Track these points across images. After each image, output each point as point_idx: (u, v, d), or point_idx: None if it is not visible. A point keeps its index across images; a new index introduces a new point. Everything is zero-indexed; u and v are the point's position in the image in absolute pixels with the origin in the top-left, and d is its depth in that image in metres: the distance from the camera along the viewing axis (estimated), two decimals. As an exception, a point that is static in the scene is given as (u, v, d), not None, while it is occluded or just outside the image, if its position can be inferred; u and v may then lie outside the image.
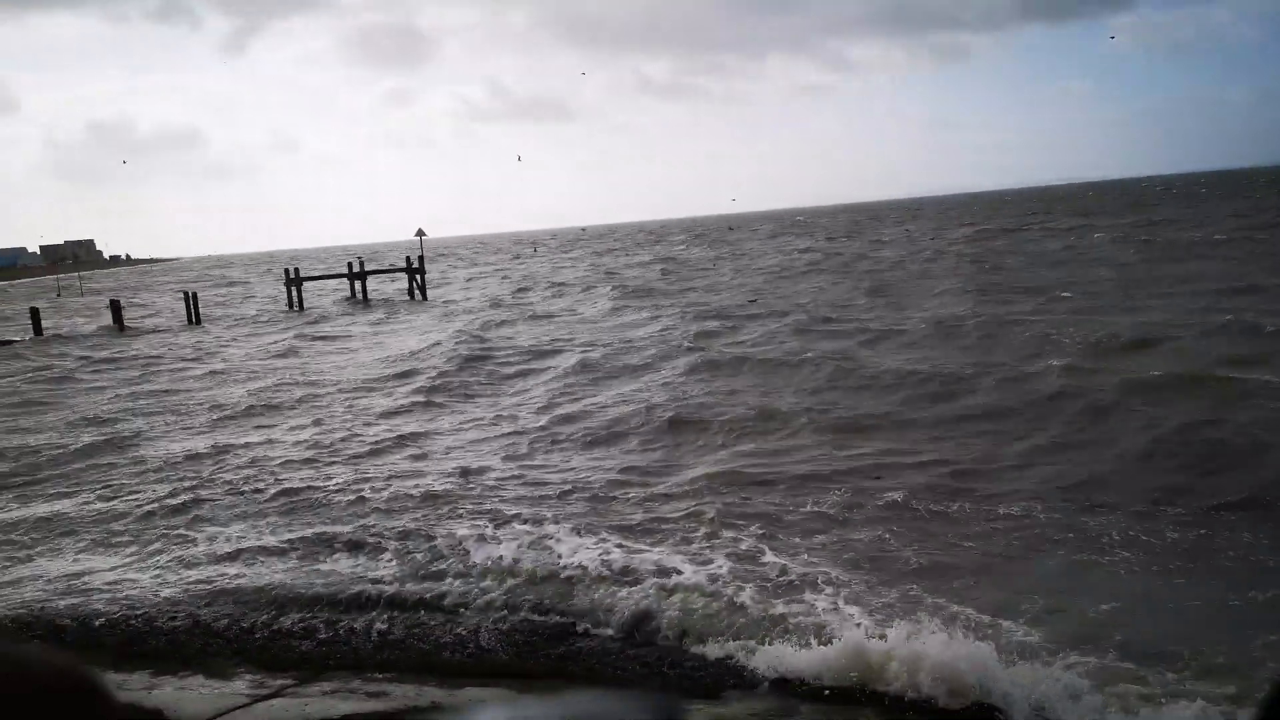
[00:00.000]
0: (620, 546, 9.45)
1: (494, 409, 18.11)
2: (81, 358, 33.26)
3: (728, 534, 9.65)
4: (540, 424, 16.05)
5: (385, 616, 8.36)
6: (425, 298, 53.25)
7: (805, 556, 8.91)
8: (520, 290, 53.06)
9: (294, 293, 51.49)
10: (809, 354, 20.22)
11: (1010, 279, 34.62)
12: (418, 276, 54.80)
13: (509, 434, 15.60)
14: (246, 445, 16.03)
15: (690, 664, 7.23)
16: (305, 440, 16.15)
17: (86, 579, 9.96)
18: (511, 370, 22.51)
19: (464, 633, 7.98)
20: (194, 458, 15.34)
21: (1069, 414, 13.84)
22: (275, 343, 33.88)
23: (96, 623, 8.71)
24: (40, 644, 0.84)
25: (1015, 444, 12.76)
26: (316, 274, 61.60)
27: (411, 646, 7.88)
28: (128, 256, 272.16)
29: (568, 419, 16.28)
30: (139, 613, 8.81)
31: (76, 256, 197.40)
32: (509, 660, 7.52)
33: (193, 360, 30.51)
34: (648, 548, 9.44)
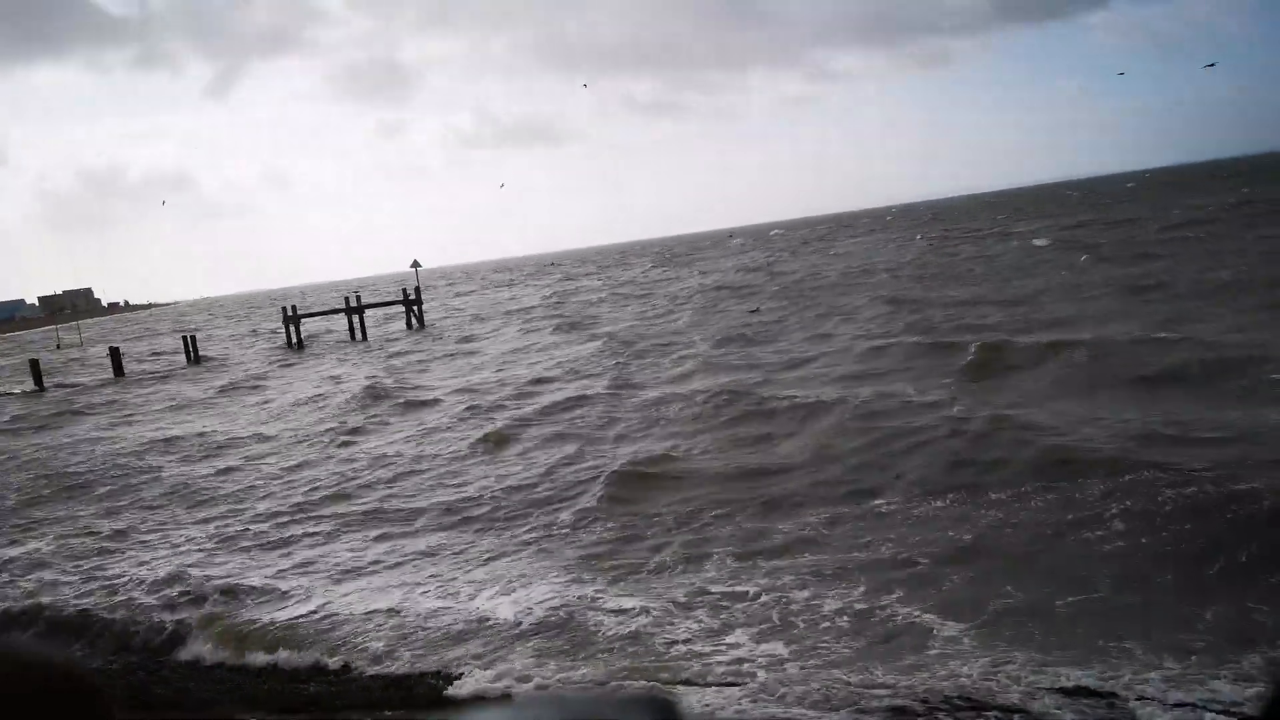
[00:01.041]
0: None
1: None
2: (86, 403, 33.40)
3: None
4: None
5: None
6: (423, 326, 53.47)
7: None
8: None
9: (292, 330, 51.61)
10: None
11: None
12: (415, 308, 55.04)
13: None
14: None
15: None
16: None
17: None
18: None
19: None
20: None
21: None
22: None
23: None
24: (39, 643, 0.82)
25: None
26: (314, 311, 61.83)
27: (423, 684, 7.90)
28: (126, 303, 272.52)
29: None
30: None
31: (75, 306, 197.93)
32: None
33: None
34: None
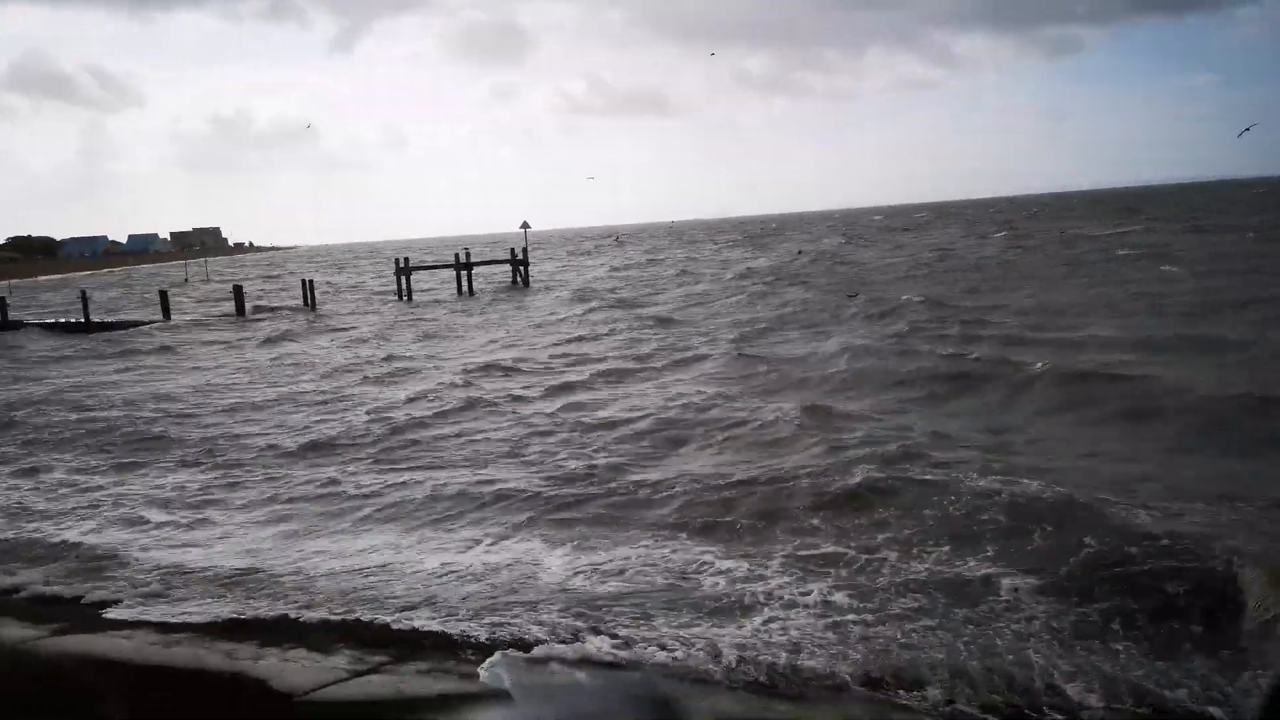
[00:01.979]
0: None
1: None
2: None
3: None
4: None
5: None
6: (527, 285, 54.41)
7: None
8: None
9: (403, 281, 53.02)
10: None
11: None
12: (521, 267, 56.04)
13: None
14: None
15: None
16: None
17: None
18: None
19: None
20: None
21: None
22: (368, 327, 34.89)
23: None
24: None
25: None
26: (425, 264, 63.50)
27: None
28: (251, 244, 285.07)
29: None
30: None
31: (204, 243, 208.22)
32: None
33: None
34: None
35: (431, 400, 19.26)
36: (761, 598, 8.23)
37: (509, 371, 22.92)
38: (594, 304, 40.12)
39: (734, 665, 6.95)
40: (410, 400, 19.46)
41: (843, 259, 60.81)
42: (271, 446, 15.92)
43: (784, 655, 7.07)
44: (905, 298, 31.00)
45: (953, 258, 53.65)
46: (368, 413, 18.27)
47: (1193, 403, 13.95)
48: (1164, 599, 7.55)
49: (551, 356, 25.12)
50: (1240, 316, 22.11)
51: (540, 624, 7.87)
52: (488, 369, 23.25)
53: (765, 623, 7.70)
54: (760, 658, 7.04)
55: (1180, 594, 7.57)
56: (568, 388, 19.88)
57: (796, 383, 18.72)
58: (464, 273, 53.83)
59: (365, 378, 23.49)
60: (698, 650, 7.19)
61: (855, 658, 6.96)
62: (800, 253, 70.45)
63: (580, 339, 28.89)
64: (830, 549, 9.28)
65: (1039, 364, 17.28)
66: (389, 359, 26.93)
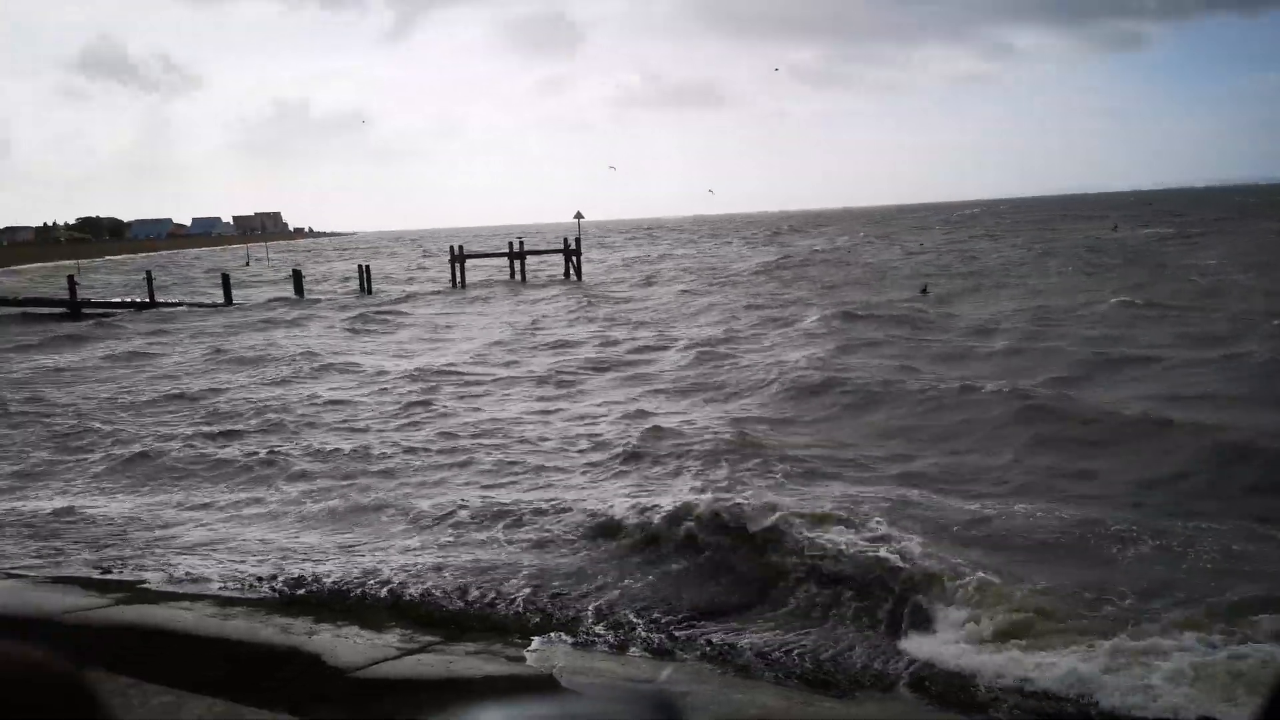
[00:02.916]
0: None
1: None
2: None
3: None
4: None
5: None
6: (580, 279, 54.40)
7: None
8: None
9: (457, 269, 53.55)
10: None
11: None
12: (574, 258, 56.09)
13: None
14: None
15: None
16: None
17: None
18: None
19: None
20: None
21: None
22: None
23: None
24: (22, 642, 0.78)
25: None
26: (479, 251, 64.07)
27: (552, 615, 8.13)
28: (310, 229, 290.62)
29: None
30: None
31: (265, 227, 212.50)
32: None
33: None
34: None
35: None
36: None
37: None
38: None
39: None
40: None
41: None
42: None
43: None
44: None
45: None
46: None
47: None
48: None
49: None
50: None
51: (595, 613, 7.98)
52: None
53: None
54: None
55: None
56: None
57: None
58: (517, 261, 54.18)
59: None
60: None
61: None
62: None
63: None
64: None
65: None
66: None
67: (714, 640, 7.52)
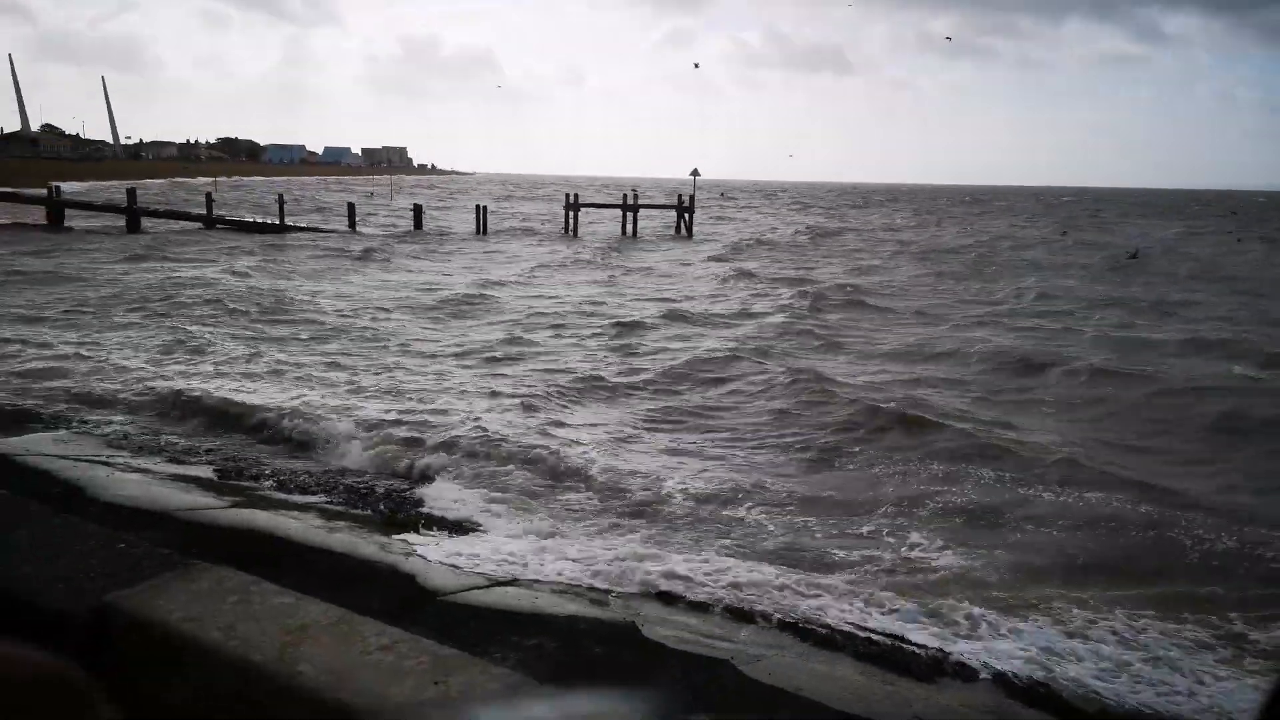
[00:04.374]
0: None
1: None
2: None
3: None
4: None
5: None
6: (690, 235, 54.20)
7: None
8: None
9: (571, 217, 54.05)
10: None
11: None
12: (686, 215, 55.86)
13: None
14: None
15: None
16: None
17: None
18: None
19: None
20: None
21: None
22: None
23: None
24: (24, 645, 0.79)
25: None
26: (593, 202, 64.48)
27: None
28: (433, 166, 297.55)
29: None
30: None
31: (391, 161, 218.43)
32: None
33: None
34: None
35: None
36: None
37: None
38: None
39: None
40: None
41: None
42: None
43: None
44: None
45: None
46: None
47: None
48: None
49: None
50: None
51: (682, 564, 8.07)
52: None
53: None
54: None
55: None
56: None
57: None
58: (629, 214, 54.35)
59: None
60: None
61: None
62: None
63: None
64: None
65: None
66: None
67: (800, 606, 7.50)
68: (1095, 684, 6.49)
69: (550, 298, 26.66)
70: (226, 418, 12.49)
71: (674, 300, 26.94)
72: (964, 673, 6.65)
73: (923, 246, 51.28)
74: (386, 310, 23.13)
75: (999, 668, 6.63)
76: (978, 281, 33.73)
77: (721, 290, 30.07)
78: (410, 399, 13.76)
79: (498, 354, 17.87)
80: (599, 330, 21.03)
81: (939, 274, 36.09)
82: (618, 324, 21.63)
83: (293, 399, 13.27)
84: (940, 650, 6.87)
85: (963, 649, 6.90)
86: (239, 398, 13.31)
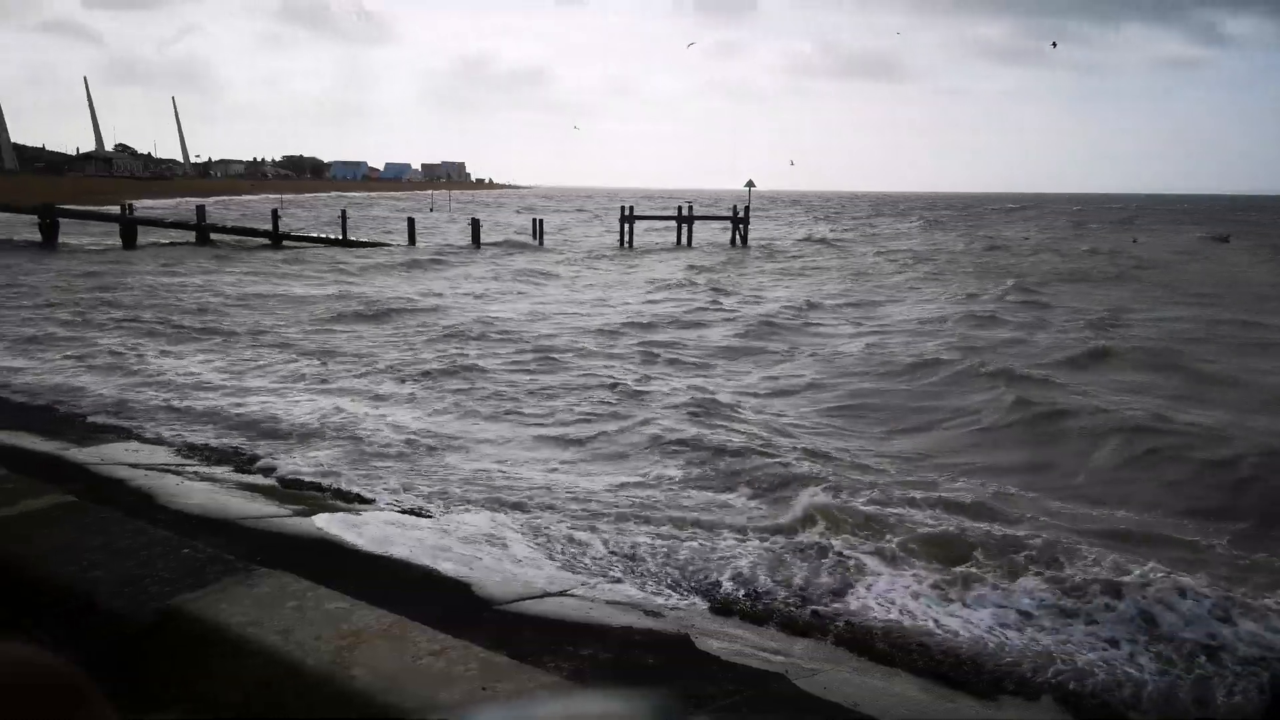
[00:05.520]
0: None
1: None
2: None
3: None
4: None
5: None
6: (746, 244, 54.13)
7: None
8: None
9: (626, 229, 54.31)
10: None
11: None
12: (741, 226, 55.77)
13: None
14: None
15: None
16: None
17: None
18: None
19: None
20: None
21: None
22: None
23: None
24: (29, 646, 0.79)
25: None
26: (648, 214, 64.73)
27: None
28: (490, 181, 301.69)
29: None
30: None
31: (450, 176, 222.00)
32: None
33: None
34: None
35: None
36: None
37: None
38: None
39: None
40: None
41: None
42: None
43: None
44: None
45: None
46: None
47: None
48: None
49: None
50: None
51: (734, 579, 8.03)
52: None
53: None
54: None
55: None
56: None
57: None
58: (684, 226, 54.40)
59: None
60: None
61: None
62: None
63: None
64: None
65: None
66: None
67: (853, 622, 7.40)
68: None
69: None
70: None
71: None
72: (1026, 689, 6.50)
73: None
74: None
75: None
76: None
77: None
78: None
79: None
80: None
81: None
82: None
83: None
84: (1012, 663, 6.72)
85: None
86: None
